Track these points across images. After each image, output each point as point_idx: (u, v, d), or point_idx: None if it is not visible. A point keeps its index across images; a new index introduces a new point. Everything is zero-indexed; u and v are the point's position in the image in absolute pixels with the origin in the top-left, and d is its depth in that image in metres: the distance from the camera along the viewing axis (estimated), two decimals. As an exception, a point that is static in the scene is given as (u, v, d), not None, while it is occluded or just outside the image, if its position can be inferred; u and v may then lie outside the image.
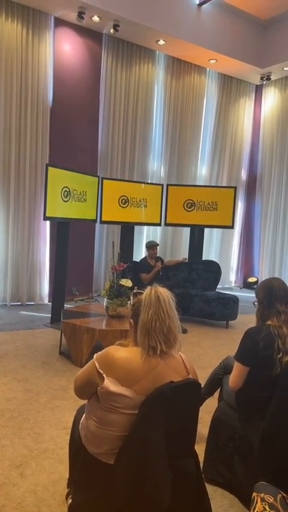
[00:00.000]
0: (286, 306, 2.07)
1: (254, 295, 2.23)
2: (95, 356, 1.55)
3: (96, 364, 1.50)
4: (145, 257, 5.88)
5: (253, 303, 2.23)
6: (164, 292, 1.55)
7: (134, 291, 3.74)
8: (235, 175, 8.49)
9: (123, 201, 5.94)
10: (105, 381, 1.45)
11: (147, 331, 1.49)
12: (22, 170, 5.95)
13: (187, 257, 6.37)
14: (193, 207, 6.35)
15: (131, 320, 1.64)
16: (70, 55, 6.30)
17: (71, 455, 1.86)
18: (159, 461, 1.44)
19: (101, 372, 1.48)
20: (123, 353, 1.51)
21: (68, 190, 5.05)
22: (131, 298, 3.72)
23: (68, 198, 5.08)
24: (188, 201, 6.34)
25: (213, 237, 8.32)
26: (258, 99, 8.58)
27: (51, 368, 3.68)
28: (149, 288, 1.57)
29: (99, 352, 1.56)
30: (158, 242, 6.26)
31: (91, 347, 3.64)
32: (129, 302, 3.88)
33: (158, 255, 5.93)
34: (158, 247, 5.90)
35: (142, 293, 1.57)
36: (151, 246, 5.77)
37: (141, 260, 5.89)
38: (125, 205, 5.96)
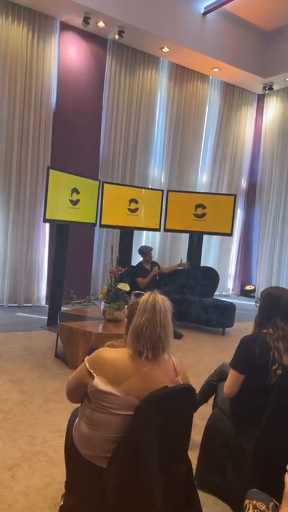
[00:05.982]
0: (286, 323, 2.02)
1: (258, 297, 2.20)
2: (86, 358, 1.59)
3: (87, 365, 1.54)
4: (141, 262, 5.85)
5: (255, 302, 2.20)
6: (162, 301, 1.55)
7: (136, 291, 3.73)
8: (235, 183, 8.52)
9: (124, 206, 5.95)
10: (95, 379, 1.49)
11: (137, 335, 1.52)
12: (23, 172, 5.96)
13: (185, 261, 6.29)
14: (193, 213, 6.35)
15: (126, 319, 1.67)
16: (75, 59, 6.34)
17: (66, 457, 1.87)
18: (151, 466, 1.44)
19: (91, 371, 1.51)
20: (112, 353, 1.55)
21: (68, 193, 5.06)
22: (132, 298, 3.71)
23: (69, 201, 5.09)
24: (188, 208, 6.35)
25: (212, 244, 8.32)
26: (260, 109, 8.63)
27: (46, 370, 3.67)
28: (148, 293, 1.58)
29: (90, 355, 1.59)
30: (155, 247, 6.22)
31: (87, 350, 3.64)
32: (126, 306, 3.88)
33: (154, 260, 5.92)
34: (152, 251, 5.88)
35: (143, 294, 1.59)
36: (146, 252, 5.77)
37: (137, 265, 5.88)
38: (124, 210, 5.97)
